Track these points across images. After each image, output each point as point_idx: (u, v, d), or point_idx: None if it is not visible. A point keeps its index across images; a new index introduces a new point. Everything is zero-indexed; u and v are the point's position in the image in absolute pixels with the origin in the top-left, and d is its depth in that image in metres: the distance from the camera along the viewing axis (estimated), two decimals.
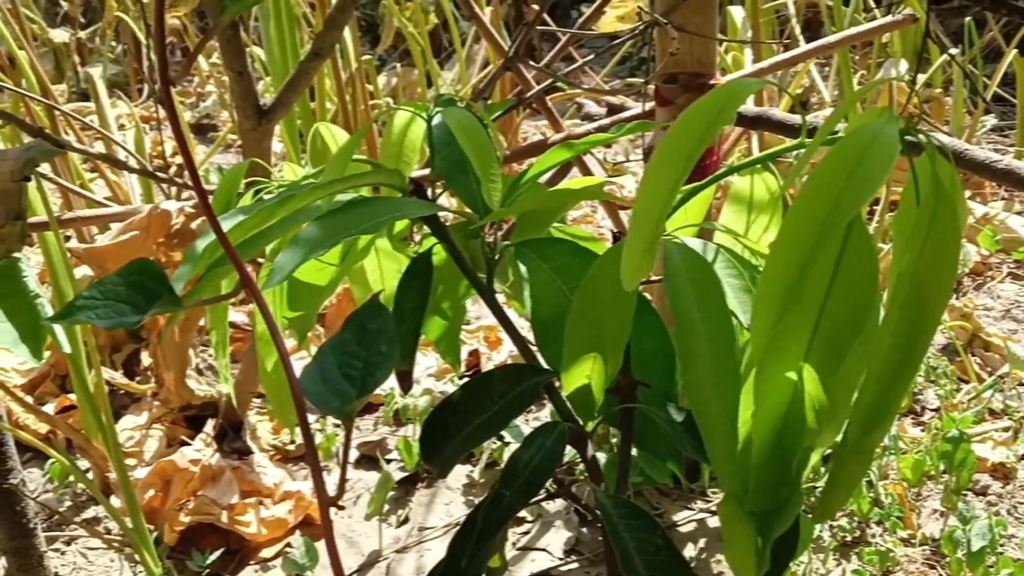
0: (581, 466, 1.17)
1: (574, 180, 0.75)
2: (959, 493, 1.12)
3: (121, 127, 2.74)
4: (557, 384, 0.65)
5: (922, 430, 1.28)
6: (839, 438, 0.61)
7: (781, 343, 0.56)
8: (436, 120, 0.74)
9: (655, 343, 0.63)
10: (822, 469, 1.13)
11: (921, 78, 2.21)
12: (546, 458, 0.59)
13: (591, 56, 1.16)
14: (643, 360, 0.64)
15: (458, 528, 0.61)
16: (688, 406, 0.57)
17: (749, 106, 1.17)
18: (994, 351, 1.44)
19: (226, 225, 0.63)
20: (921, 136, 0.54)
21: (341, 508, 0.55)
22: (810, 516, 1.03)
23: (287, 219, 0.66)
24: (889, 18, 1.12)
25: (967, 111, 2.16)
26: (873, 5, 2.26)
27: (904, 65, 2.41)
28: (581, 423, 0.64)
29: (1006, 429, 1.25)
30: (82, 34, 3.58)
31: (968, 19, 2.29)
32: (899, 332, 0.56)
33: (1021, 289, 1.68)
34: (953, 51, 2.05)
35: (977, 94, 2.18)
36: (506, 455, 1.26)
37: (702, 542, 1.13)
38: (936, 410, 1.33)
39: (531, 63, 1.10)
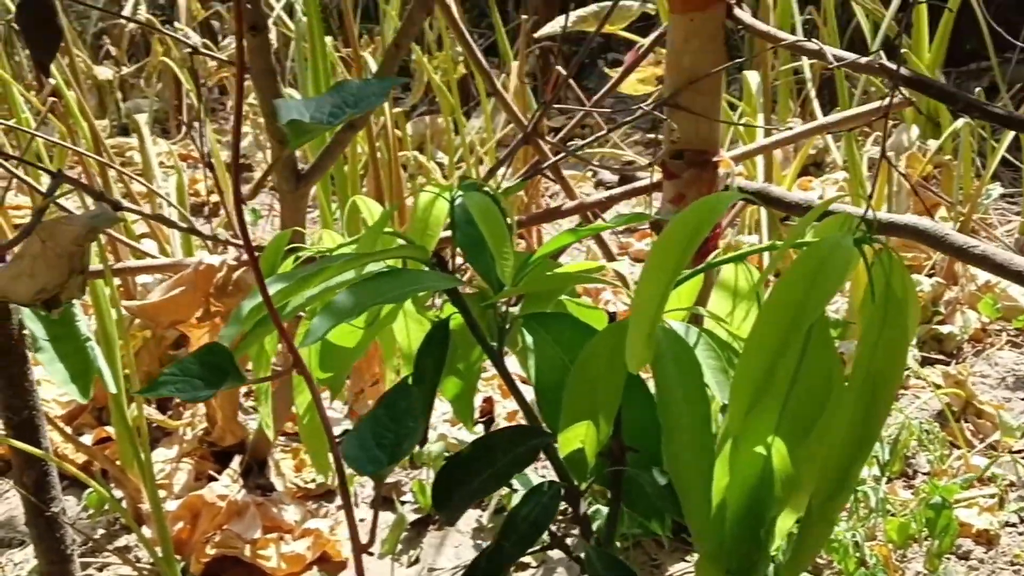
0: None
1: (578, 263, 0.83)
2: (941, 557, 1.18)
3: (160, 163, 2.86)
4: (556, 445, 0.73)
5: (912, 493, 1.34)
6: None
7: (753, 423, 0.64)
8: (458, 201, 0.82)
9: (644, 413, 0.71)
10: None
11: (933, 144, 2.28)
12: (542, 513, 0.67)
13: (611, 129, 1.24)
14: (633, 428, 0.71)
15: (462, 573, 0.69)
16: (670, 473, 0.65)
17: (751, 183, 1.25)
18: (986, 419, 1.49)
19: (271, 289, 0.72)
20: (871, 246, 0.61)
21: (371, 555, 0.63)
22: None
23: (322, 287, 0.75)
24: (874, 104, 1.20)
25: (977, 176, 2.23)
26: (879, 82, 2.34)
27: (916, 131, 2.49)
28: (575, 482, 0.72)
29: (992, 496, 1.30)
30: (126, 71, 3.73)
31: (977, 88, 2.36)
32: (856, 413, 0.63)
33: (1019, 357, 1.73)
34: (961, 120, 2.12)
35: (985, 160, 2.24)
36: (514, 501, 1.33)
37: None
38: (927, 474, 1.39)
39: (546, 139, 1.19)
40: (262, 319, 0.77)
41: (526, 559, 1.25)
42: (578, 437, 0.70)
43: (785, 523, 0.70)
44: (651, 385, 0.71)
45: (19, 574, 1.31)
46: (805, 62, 2.49)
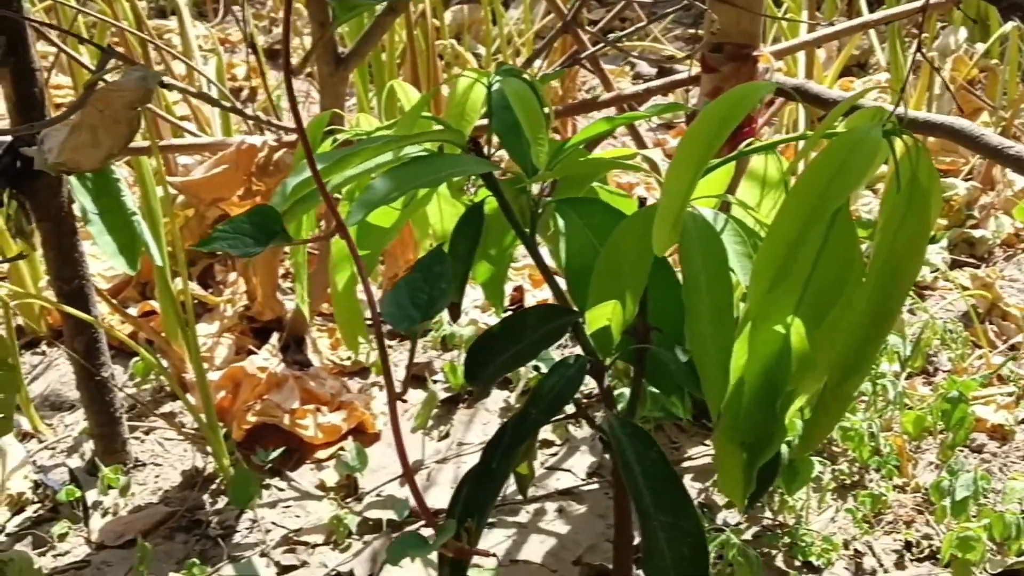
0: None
1: (612, 150, 0.85)
2: (954, 448, 1.21)
3: (198, 47, 2.86)
4: (583, 323, 0.76)
5: (931, 390, 1.37)
6: (821, 386, 0.72)
7: (773, 304, 0.67)
8: (495, 87, 0.84)
9: (669, 295, 0.74)
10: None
11: (980, 48, 2.23)
12: (567, 384, 0.71)
13: (645, 23, 1.24)
14: (658, 309, 0.74)
15: (490, 438, 0.73)
16: (691, 350, 0.68)
17: (790, 79, 1.24)
18: (1011, 321, 1.51)
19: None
20: (905, 138, 0.63)
21: (405, 402, 0.68)
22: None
23: (361, 168, 0.77)
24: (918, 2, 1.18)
25: (1022, 82, 2.18)
26: None
27: (963, 33, 2.42)
28: (600, 358, 0.76)
29: (1010, 394, 1.33)
30: None
31: None
32: (873, 299, 0.66)
33: None
34: (1010, 24, 2.06)
35: None
36: None
37: (715, 476, 1.25)
38: (948, 372, 1.41)
39: (586, 28, 1.19)
40: (302, 197, 0.80)
41: (551, 437, 1.31)
42: (605, 315, 0.74)
43: (797, 402, 0.73)
44: (678, 271, 0.74)
45: (70, 434, 1.39)
46: None
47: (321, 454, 1.32)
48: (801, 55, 1.89)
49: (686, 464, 1.27)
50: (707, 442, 1.30)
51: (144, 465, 1.33)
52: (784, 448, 1.08)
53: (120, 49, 1.50)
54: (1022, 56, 2.23)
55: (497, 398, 1.41)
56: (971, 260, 1.73)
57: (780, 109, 1.75)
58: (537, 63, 1.23)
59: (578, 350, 0.77)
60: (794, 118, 1.97)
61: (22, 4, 1.07)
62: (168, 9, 3.48)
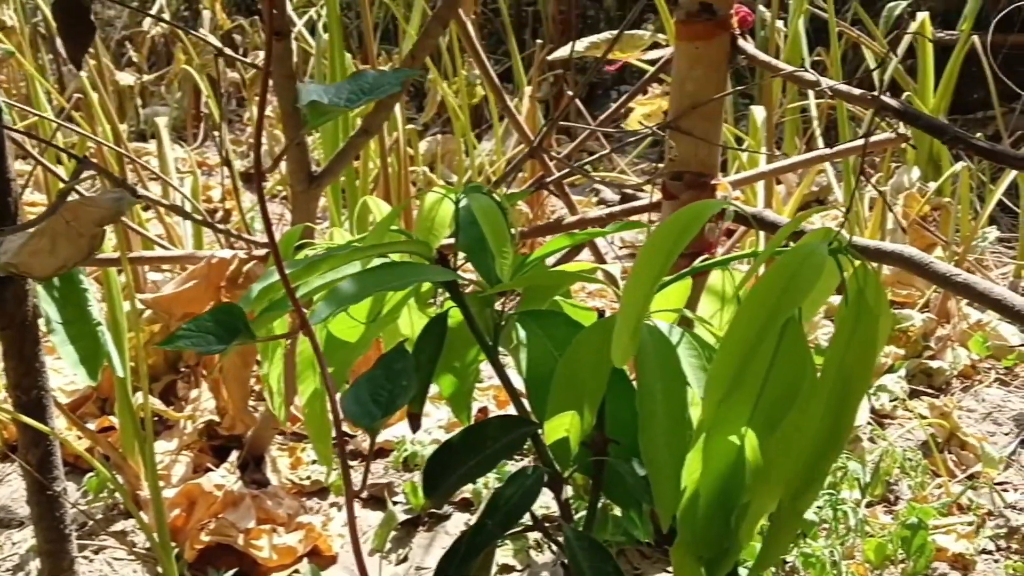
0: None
1: (574, 264, 0.88)
2: None
3: (176, 169, 2.92)
4: (542, 435, 0.76)
5: (892, 518, 1.36)
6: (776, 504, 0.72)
7: (726, 416, 0.68)
8: (463, 203, 0.86)
9: (626, 407, 0.75)
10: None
11: (932, 186, 2.33)
12: (525, 495, 0.71)
13: (613, 148, 1.28)
14: (615, 421, 0.75)
15: (445, 551, 0.72)
16: (643, 460, 0.68)
17: (754, 208, 1.29)
18: (969, 450, 1.53)
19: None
20: (847, 257, 0.65)
21: (362, 500, 0.67)
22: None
23: (329, 277, 0.79)
24: (877, 137, 1.25)
25: (974, 219, 2.27)
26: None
27: (916, 172, 2.53)
28: (559, 470, 0.76)
29: (970, 523, 1.33)
30: (147, 78, 3.80)
31: (979, 135, 2.41)
32: (825, 412, 0.67)
33: (1006, 394, 1.77)
34: (960, 164, 2.16)
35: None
36: None
37: None
38: (909, 500, 1.41)
39: (552, 154, 1.23)
40: (271, 305, 0.81)
41: (512, 562, 1.28)
42: (563, 426, 0.74)
43: (756, 522, 0.74)
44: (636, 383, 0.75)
45: (17, 552, 1.34)
46: (812, 100, 2.54)
47: None
48: (760, 187, 1.97)
49: None
50: (669, 568, 1.28)
51: None
52: (744, 572, 1.08)
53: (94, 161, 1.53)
54: (972, 194, 2.33)
55: (458, 520, 1.39)
56: (929, 390, 1.76)
57: (741, 239, 1.80)
58: (504, 187, 1.27)
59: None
60: (755, 248, 2.02)
61: (2, 115, 1.09)
62: (149, 133, 3.56)
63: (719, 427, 0.67)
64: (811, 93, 2.35)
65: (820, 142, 2.46)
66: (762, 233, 1.86)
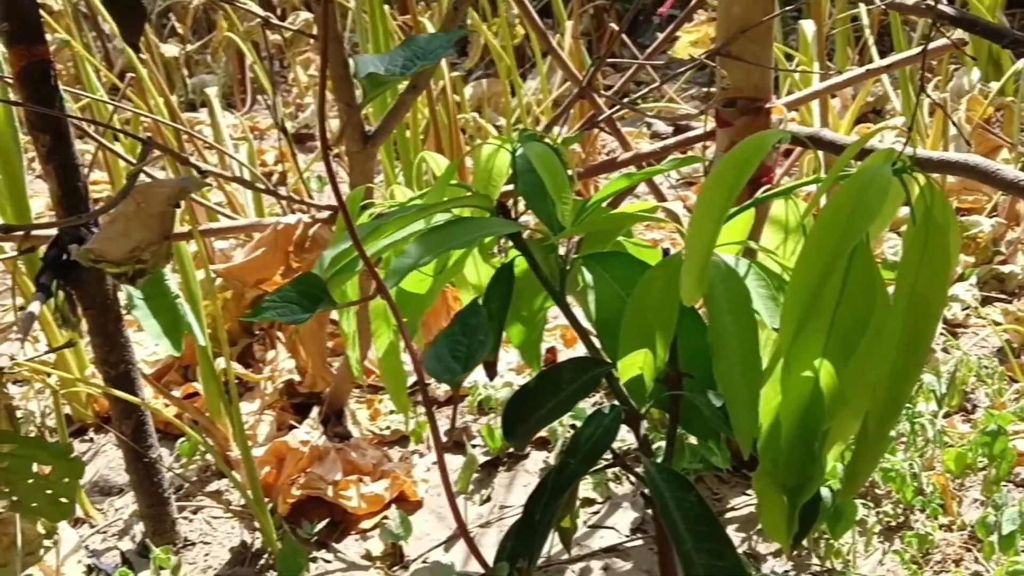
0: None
1: (634, 204, 0.88)
2: (998, 483, 1.21)
3: (230, 136, 2.95)
4: (616, 374, 0.78)
5: (971, 427, 1.36)
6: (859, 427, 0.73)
7: (802, 344, 0.69)
8: (519, 151, 0.87)
9: (698, 341, 0.76)
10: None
11: (995, 86, 2.26)
12: (604, 434, 0.73)
13: (659, 82, 1.28)
14: (688, 355, 0.76)
15: (532, 491, 0.75)
16: (720, 391, 0.70)
17: (805, 128, 1.27)
18: None
19: (350, 239, 0.78)
20: (916, 177, 0.65)
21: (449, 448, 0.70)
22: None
23: (395, 236, 0.81)
24: (934, 44, 1.21)
25: None
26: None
27: (976, 73, 2.45)
28: (635, 406, 0.77)
29: None
30: (190, 48, 3.83)
31: None
32: (901, 335, 0.67)
33: None
34: (1022, 61, 2.09)
35: None
36: None
37: (758, 525, 1.25)
38: (987, 408, 1.41)
39: (601, 92, 1.23)
40: (341, 268, 0.83)
41: (593, 495, 1.32)
42: (636, 365, 0.76)
43: (837, 447, 0.75)
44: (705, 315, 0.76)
45: (121, 517, 1.41)
46: (863, 9, 2.47)
47: (365, 524, 1.34)
48: (815, 105, 1.93)
49: (729, 515, 1.27)
50: (749, 492, 1.30)
51: (193, 544, 1.35)
52: (827, 492, 1.09)
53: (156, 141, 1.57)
54: None
55: (536, 459, 1.42)
56: (1002, 296, 1.73)
57: (799, 159, 1.78)
58: (556, 128, 1.27)
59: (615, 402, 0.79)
60: (814, 167, 1.99)
61: (64, 104, 1.13)
62: (198, 102, 3.60)
63: (796, 356, 0.67)
64: (862, 3, 2.28)
65: (874, 51, 2.39)
66: (821, 152, 1.83)
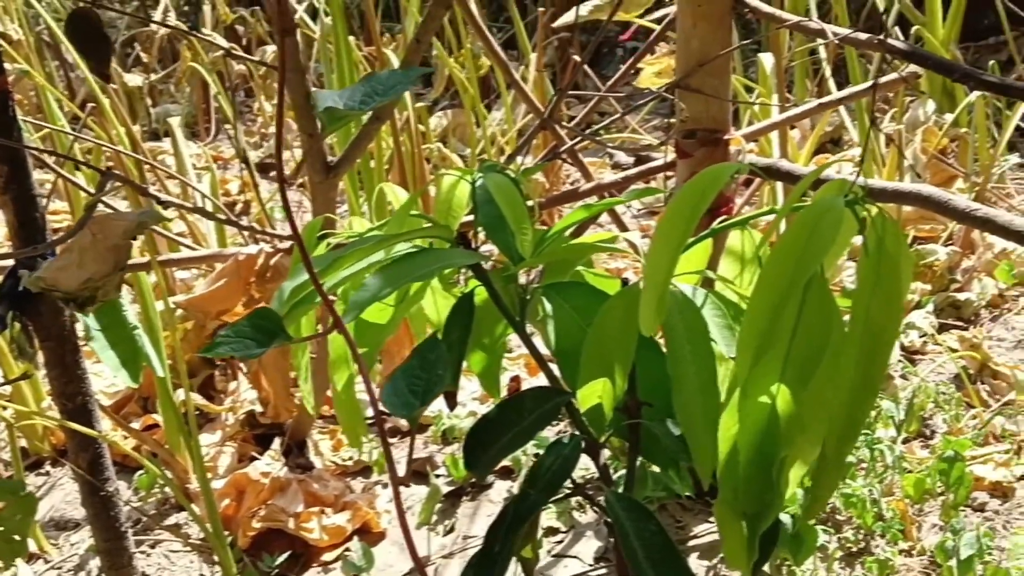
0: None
1: (594, 235, 0.89)
2: (956, 508, 1.22)
3: (193, 166, 2.94)
4: (576, 403, 0.78)
5: (929, 452, 1.38)
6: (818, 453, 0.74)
7: (759, 374, 0.69)
8: (479, 182, 0.88)
9: (656, 370, 0.76)
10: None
11: (949, 117, 2.31)
12: (564, 463, 0.73)
13: (626, 111, 1.29)
14: (647, 384, 0.77)
15: (492, 521, 0.75)
16: (679, 421, 0.70)
17: (762, 159, 1.29)
18: (1002, 379, 1.53)
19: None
20: (868, 208, 0.66)
21: (407, 486, 0.69)
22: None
23: (355, 268, 0.81)
24: (885, 78, 1.24)
25: (992, 147, 2.25)
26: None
27: (932, 105, 2.51)
28: (595, 435, 0.78)
29: (1007, 451, 1.34)
30: (155, 77, 3.82)
31: (992, 62, 2.38)
32: (857, 361, 0.68)
33: None
34: (975, 93, 2.14)
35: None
36: None
37: (721, 553, 1.25)
38: (945, 434, 1.43)
39: (563, 124, 1.24)
40: (300, 300, 0.83)
41: (556, 524, 1.31)
42: (596, 394, 0.76)
43: (797, 473, 0.75)
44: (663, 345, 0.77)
45: (76, 552, 1.39)
46: (821, 43, 2.52)
47: (327, 556, 1.32)
48: (775, 136, 1.96)
49: (692, 543, 1.27)
50: (711, 519, 1.30)
51: None
52: (787, 518, 1.10)
53: (116, 171, 1.56)
54: (989, 121, 2.31)
55: (500, 488, 1.42)
56: (958, 323, 1.76)
57: (759, 189, 1.80)
58: (519, 159, 1.28)
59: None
60: (772, 197, 2.02)
61: (22, 133, 1.12)
62: (162, 131, 3.58)
63: (752, 385, 0.68)
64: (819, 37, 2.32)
65: (831, 83, 2.44)
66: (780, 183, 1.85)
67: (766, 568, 0.99)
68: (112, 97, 2.03)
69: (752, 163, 1.22)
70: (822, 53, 2.54)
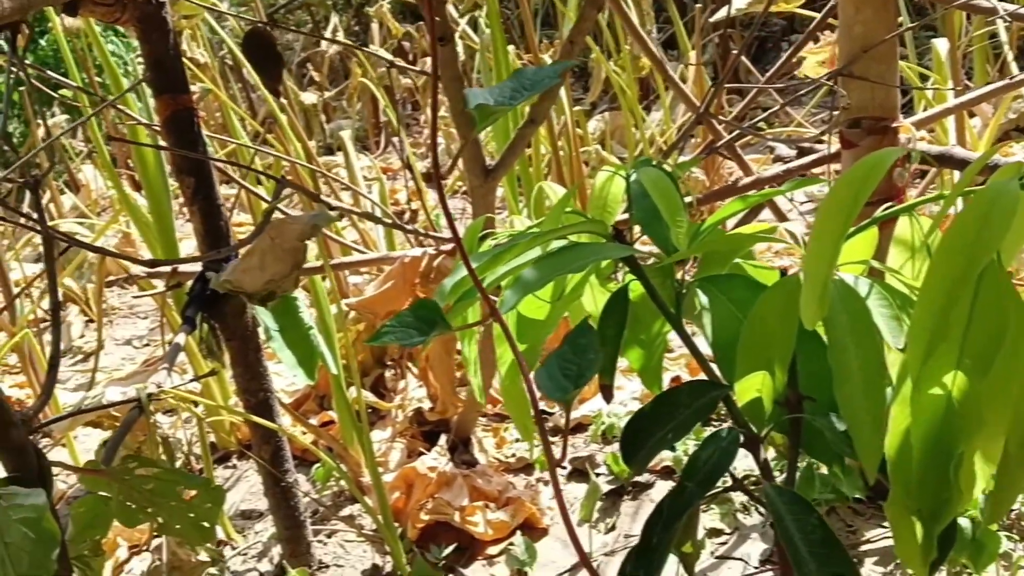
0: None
1: (754, 226, 0.88)
2: None
3: (363, 177, 3.07)
4: (734, 397, 0.77)
5: None
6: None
7: (932, 366, 0.66)
8: (633, 178, 0.88)
9: (818, 362, 0.74)
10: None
11: None
12: (722, 456, 0.72)
13: (787, 102, 1.26)
14: (808, 377, 0.75)
15: (649, 516, 0.75)
16: (842, 415, 0.68)
17: (933, 147, 1.23)
18: None
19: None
20: None
21: (564, 468, 0.71)
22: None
23: (513, 264, 0.83)
24: None
25: None
26: None
27: None
28: (754, 430, 0.76)
29: None
30: (328, 95, 4.02)
31: None
32: None
33: None
34: None
35: None
36: None
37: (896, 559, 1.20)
38: None
39: (720, 118, 1.22)
40: (463, 295, 0.86)
41: (720, 525, 1.29)
42: (754, 387, 0.75)
43: (985, 470, 0.71)
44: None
45: (260, 540, 1.48)
46: (1000, 25, 2.37)
47: (492, 550, 1.35)
48: (951, 124, 1.86)
49: (864, 547, 1.22)
50: (885, 524, 1.25)
51: (328, 567, 1.39)
52: (967, 522, 1.04)
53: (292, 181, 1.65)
54: None
55: (661, 488, 1.41)
56: None
57: (934, 180, 1.71)
58: (676, 155, 1.28)
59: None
60: (950, 187, 1.92)
61: (207, 148, 1.21)
62: (335, 146, 3.76)
63: (926, 377, 0.65)
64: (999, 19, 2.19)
65: (1014, 67, 2.29)
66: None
67: (943, 573, 0.95)
68: (290, 114, 2.16)
69: (923, 150, 1.16)
70: (1003, 36, 2.39)
